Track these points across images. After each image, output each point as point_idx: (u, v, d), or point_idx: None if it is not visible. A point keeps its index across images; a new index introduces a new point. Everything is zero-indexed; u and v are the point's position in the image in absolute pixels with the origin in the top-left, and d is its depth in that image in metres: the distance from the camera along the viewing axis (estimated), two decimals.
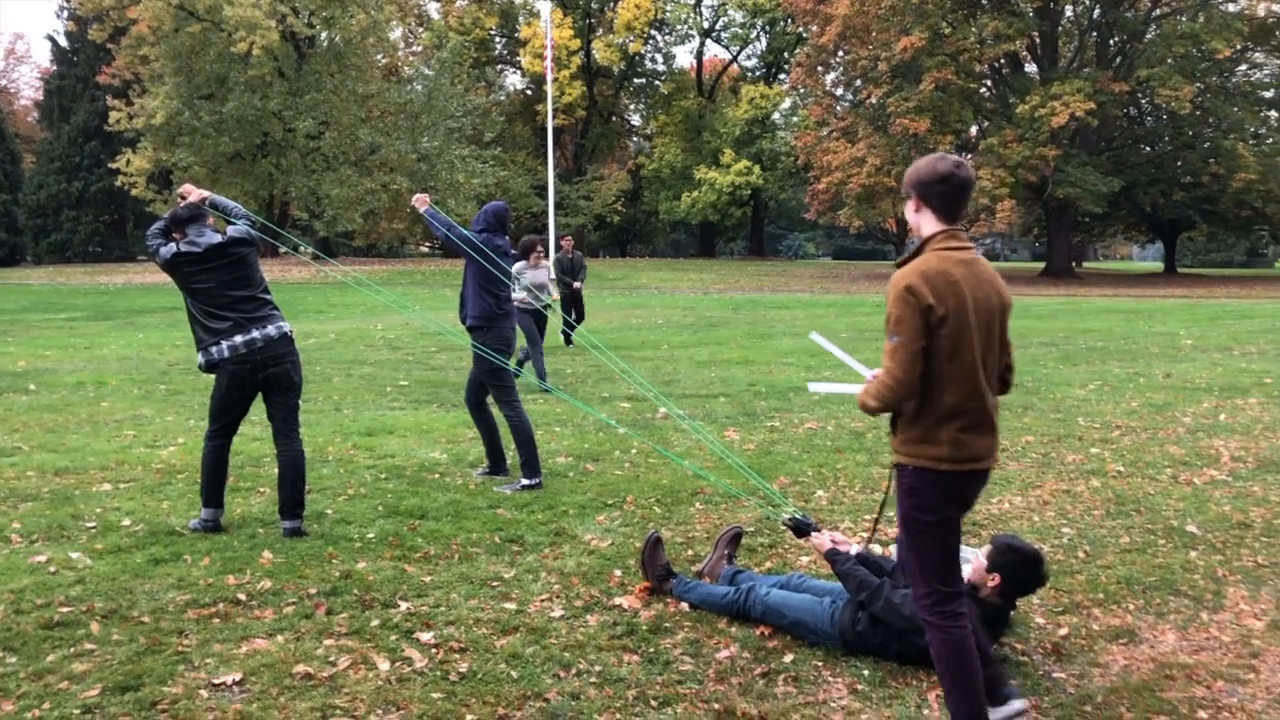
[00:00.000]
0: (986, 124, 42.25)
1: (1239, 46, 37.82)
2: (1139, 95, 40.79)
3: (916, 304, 3.18)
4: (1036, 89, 38.01)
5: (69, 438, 8.49)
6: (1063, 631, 4.46)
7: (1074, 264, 50.25)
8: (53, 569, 5.11)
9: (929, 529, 3.35)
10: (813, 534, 4.63)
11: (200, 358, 5.69)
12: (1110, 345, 16.34)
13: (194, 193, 5.92)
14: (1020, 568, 4.07)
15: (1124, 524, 6.11)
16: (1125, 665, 4.12)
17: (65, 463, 7.49)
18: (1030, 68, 43.85)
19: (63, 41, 53.71)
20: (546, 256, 12.74)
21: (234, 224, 5.82)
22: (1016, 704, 3.55)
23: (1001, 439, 8.50)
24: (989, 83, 44.03)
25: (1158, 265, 59.59)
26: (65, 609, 4.57)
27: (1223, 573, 5.23)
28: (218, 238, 5.61)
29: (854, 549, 4.52)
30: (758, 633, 4.42)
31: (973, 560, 4.20)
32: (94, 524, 5.90)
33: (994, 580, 4.06)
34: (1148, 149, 44.20)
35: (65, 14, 52.42)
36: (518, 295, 9.81)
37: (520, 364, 10.81)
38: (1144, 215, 47.98)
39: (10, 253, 51.70)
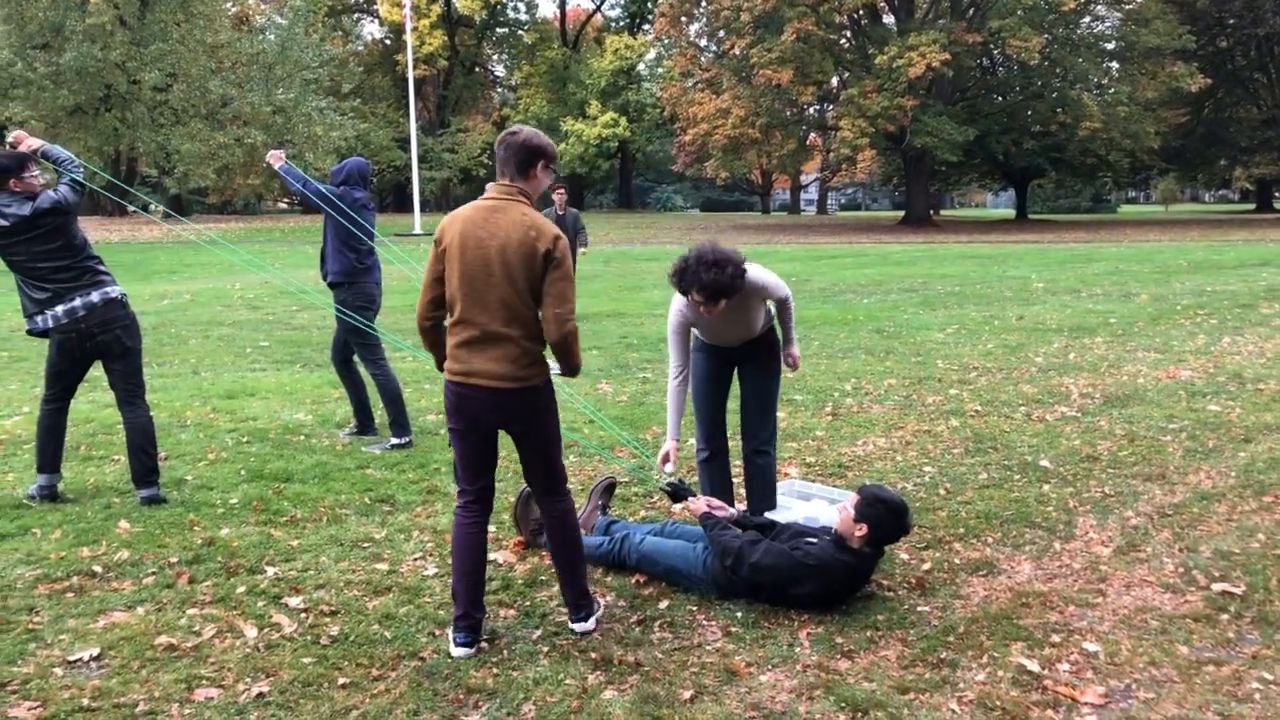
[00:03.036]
0: (847, 75, 42.90)
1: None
2: (991, 46, 41.89)
3: (434, 239, 3.79)
4: (894, 40, 38.69)
5: None
6: (926, 566, 4.62)
7: (931, 212, 51.71)
8: None
9: (450, 433, 3.90)
10: (689, 499, 4.68)
11: (26, 325, 5.44)
12: (966, 290, 16.90)
13: (26, 141, 5.55)
14: (887, 518, 4.17)
15: (982, 461, 6.35)
16: (985, 596, 4.29)
17: None
18: (888, 19, 44.59)
19: None
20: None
21: (63, 176, 5.49)
22: (579, 625, 3.96)
23: (864, 383, 8.74)
24: (849, 34, 44.62)
25: (1010, 212, 61.80)
26: None
27: (1073, 504, 5.48)
28: (27, 209, 5.26)
29: (731, 512, 4.58)
30: (633, 581, 4.45)
31: (841, 511, 4.29)
32: None
33: (861, 530, 4.16)
34: (1000, 99, 45.56)
35: None
36: None
37: None
38: (997, 164, 49.58)
39: None
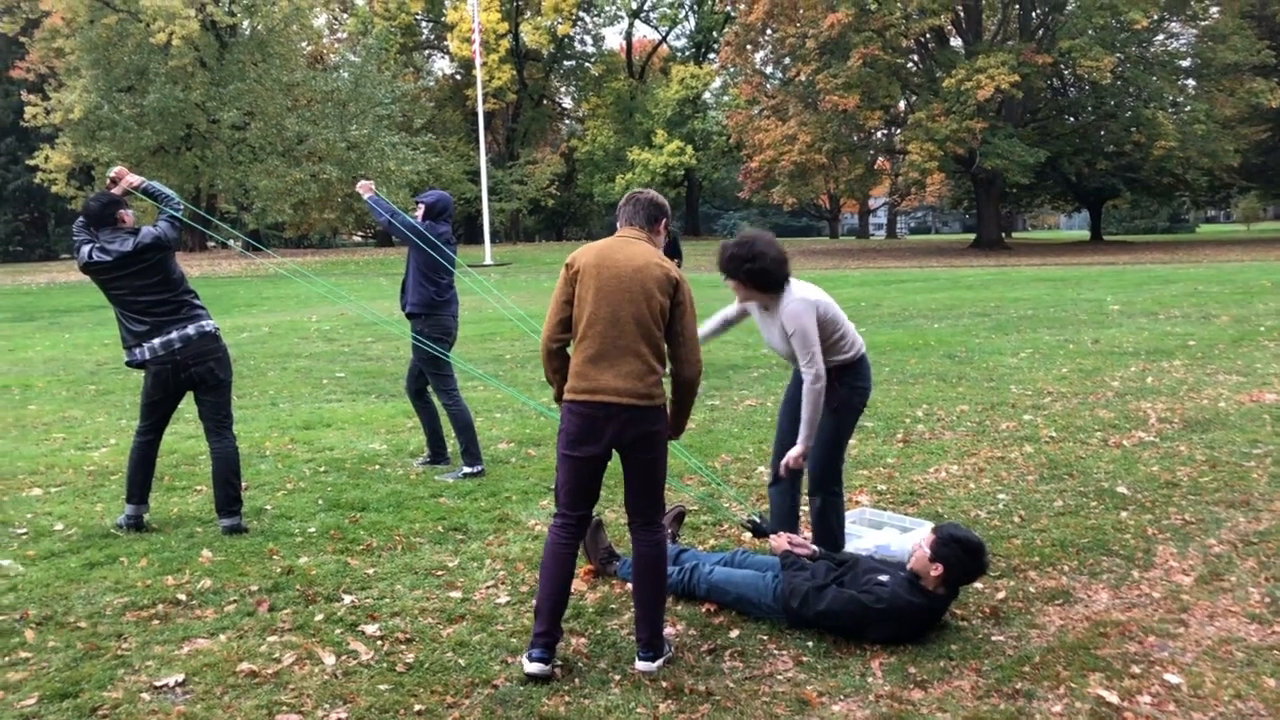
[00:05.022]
0: (914, 98, 42.64)
1: (1156, 16, 38.46)
2: (1061, 67, 41.35)
3: (564, 266, 3.97)
4: (962, 63, 38.38)
5: None
6: (1000, 595, 4.55)
7: (1003, 235, 51.01)
8: None
9: (562, 460, 3.96)
10: (770, 537, 4.68)
11: (125, 356, 5.64)
12: (1040, 313, 16.65)
13: (126, 178, 5.75)
14: (964, 558, 4.13)
15: (1057, 488, 6.25)
16: (1061, 625, 4.22)
17: None
18: (955, 42, 44.26)
19: None
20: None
21: (162, 211, 5.69)
22: (641, 665, 3.89)
23: (936, 409, 8.65)
24: (916, 57, 44.38)
25: (1084, 234, 60.70)
26: None
27: (1152, 531, 5.37)
28: (129, 245, 5.46)
29: (811, 550, 4.56)
30: (703, 610, 4.45)
31: (916, 550, 4.25)
32: (25, 530, 5.77)
33: (937, 570, 4.11)
34: (1071, 120, 44.87)
35: None
36: None
37: None
38: (1069, 185, 48.80)
39: None
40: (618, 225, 4.13)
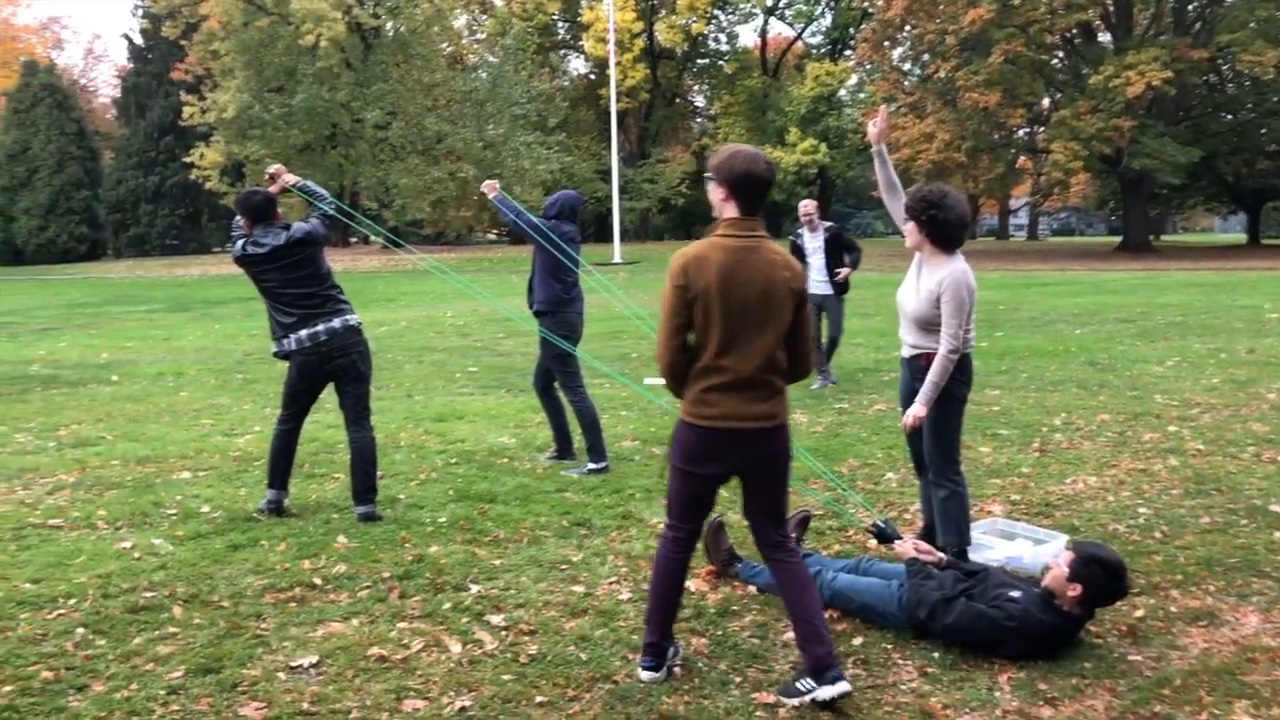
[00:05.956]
0: (1059, 96, 41.26)
1: None
2: (1219, 62, 39.42)
3: (674, 284, 3.61)
4: (1110, 59, 36.94)
5: (150, 427, 8.74)
6: (1139, 613, 4.37)
7: (1152, 237, 48.96)
8: (137, 555, 5.27)
9: (678, 474, 3.84)
10: (895, 543, 4.60)
11: (273, 347, 5.86)
12: (1190, 320, 15.93)
13: (284, 176, 6.01)
14: (1104, 580, 3.98)
15: (1204, 504, 5.97)
16: (1205, 648, 4.03)
17: (147, 451, 7.71)
18: (1104, 37, 42.61)
19: (138, 40, 54.95)
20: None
21: (314, 208, 5.91)
22: (842, 686, 3.58)
23: (1075, 418, 8.35)
24: (1061, 54, 42.93)
25: (1240, 237, 57.80)
26: (149, 593, 4.71)
27: None
28: (281, 238, 5.68)
29: (939, 557, 4.47)
30: (827, 616, 4.39)
31: (1052, 566, 4.11)
32: (175, 511, 6.07)
33: (1075, 590, 3.97)
34: (1229, 117, 42.72)
35: (140, 12, 53.75)
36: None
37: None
38: (1226, 186, 46.52)
39: (92, 247, 53.03)
40: (714, 196, 3.68)
